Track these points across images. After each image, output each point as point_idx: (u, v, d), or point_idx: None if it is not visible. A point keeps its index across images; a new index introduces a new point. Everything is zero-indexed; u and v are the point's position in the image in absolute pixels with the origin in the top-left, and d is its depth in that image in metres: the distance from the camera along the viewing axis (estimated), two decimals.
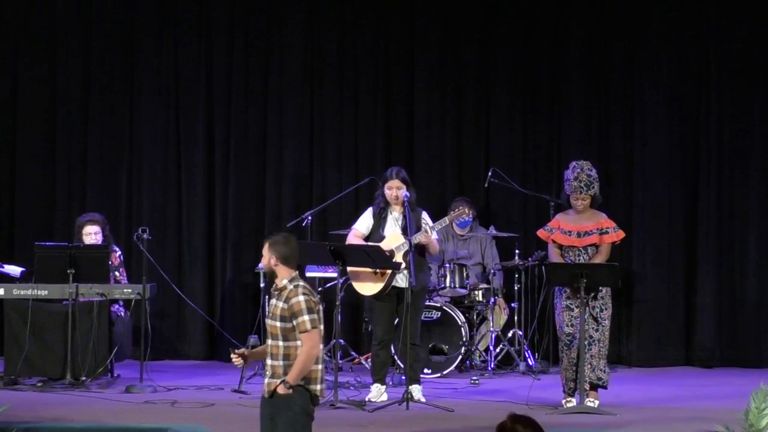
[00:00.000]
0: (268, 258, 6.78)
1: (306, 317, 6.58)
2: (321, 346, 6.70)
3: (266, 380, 6.70)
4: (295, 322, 6.60)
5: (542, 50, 12.62)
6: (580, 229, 9.61)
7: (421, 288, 9.83)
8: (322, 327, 6.69)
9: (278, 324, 6.64)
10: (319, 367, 6.69)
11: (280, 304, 6.66)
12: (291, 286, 6.68)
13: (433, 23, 12.71)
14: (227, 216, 12.70)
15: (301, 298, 6.61)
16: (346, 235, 11.15)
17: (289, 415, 6.63)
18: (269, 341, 6.71)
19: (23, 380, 10.44)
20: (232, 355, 6.79)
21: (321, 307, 6.73)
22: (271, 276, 6.83)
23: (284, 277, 6.73)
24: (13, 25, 12.81)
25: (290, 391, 6.56)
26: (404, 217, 9.76)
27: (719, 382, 11.28)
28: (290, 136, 12.73)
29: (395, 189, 9.84)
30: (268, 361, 6.70)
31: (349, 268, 9.78)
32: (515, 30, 12.67)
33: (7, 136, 12.82)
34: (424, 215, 9.94)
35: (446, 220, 10.03)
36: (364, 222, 10.02)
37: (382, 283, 9.73)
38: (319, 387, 6.70)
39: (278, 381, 6.61)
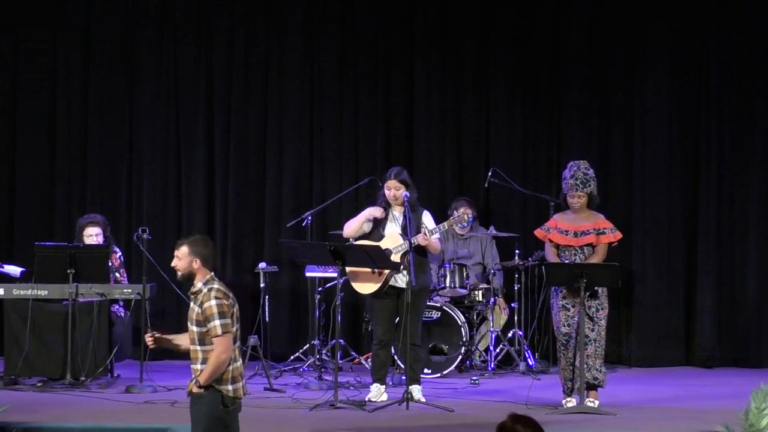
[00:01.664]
0: (189, 260, 6.72)
1: (217, 322, 6.57)
2: (237, 344, 6.68)
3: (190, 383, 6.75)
4: (207, 327, 6.59)
5: (542, 50, 12.63)
6: (577, 228, 9.61)
7: (421, 288, 9.81)
8: (236, 328, 6.67)
9: (195, 329, 6.65)
10: (232, 367, 6.66)
11: (196, 308, 6.65)
12: (205, 290, 6.66)
13: (433, 23, 12.72)
14: (227, 216, 12.71)
15: (213, 302, 6.59)
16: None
17: (195, 415, 6.68)
18: (190, 345, 6.73)
19: (23, 380, 10.44)
20: (146, 336, 6.81)
21: (236, 309, 6.69)
22: (188, 278, 6.75)
23: (200, 279, 6.71)
24: (13, 25, 12.81)
25: (201, 390, 6.60)
26: (404, 217, 9.75)
27: (719, 382, 11.28)
28: (290, 136, 12.73)
29: (393, 189, 9.84)
30: (191, 365, 6.73)
31: (347, 268, 9.79)
32: (515, 30, 12.67)
33: (7, 136, 12.82)
34: (426, 215, 9.92)
35: (445, 225, 9.98)
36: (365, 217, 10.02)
37: (379, 283, 9.73)
38: (231, 387, 6.67)
39: (192, 382, 6.68)
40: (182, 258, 6.76)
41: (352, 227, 9.97)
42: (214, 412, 6.65)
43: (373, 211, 9.90)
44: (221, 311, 6.58)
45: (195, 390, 6.65)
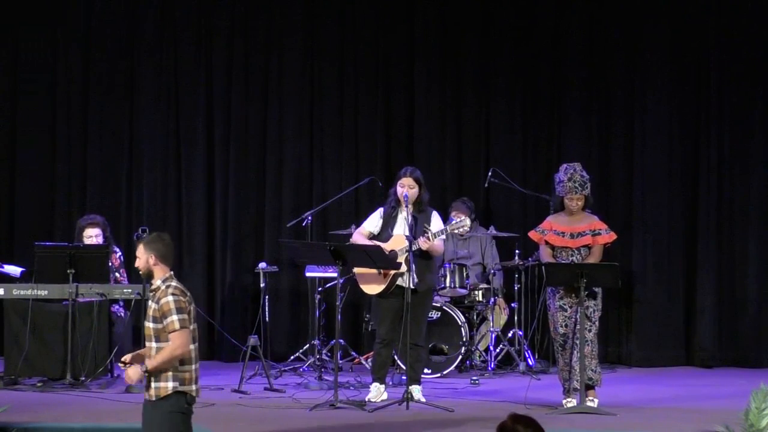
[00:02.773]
0: (146, 258, 6.76)
1: (175, 317, 6.58)
2: (193, 345, 6.68)
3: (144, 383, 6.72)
4: (164, 322, 6.60)
5: (542, 50, 12.63)
6: (573, 230, 9.60)
7: (427, 289, 9.80)
8: (193, 327, 6.69)
9: (151, 325, 6.66)
10: (193, 366, 6.68)
11: (153, 305, 6.67)
12: (163, 287, 6.68)
13: (433, 23, 12.72)
14: (227, 216, 12.70)
15: (170, 298, 6.61)
16: (347, 235, 11.19)
17: (160, 417, 6.65)
18: (146, 343, 6.72)
19: (23, 380, 10.44)
20: (121, 365, 6.81)
21: (192, 307, 6.72)
22: (148, 277, 6.80)
23: (159, 276, 6.74)
24: (13, 24, 12.82)
25: (138, 376, 6.58)
26: (412, 217, 9.75)
27: (719, 382, 11.28)
28: (290, 136, 12.74)
29: (407, 187, 9.79)
30: (146, 361, 6.71)
31: (355, 269, 9.79)
32: (515, 30, 12.67)
33: (7, 136, 12.83)
34: (435, 217, 9.86)
35: (447, 229, 9.95)
36: (373, 221, 9.95)
37: (385, 283, 9.70)
38: (194, 387, 6.69)
39: (152, 384, 6.63)
40: (140, 256, 6.82)
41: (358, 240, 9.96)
42: (185, 410, 6.69)
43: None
44: (179, 307, 6.60)
45: (135, 372, 6.59)
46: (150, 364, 6.56)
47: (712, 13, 12.42)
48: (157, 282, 6.73)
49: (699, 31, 12.45)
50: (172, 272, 6.77)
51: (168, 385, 6.59)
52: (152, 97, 12.80)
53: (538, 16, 12.65)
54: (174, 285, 6.69)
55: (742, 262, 12.35)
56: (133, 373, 6.61)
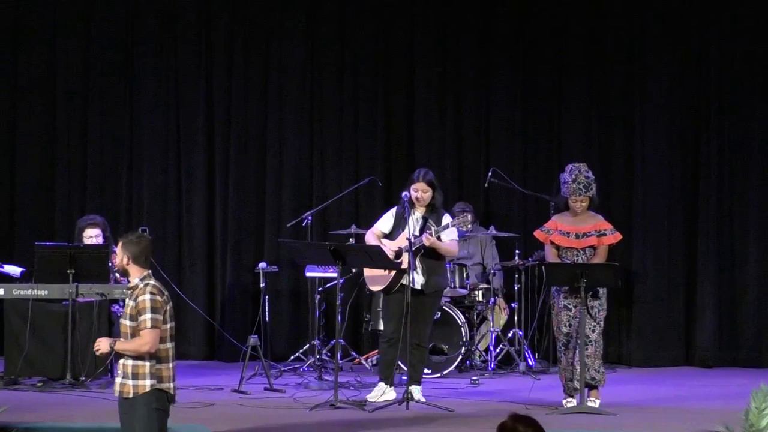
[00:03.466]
0: (121, 257, 6.86)
1: (148, 315, 6.69)
2: (170, 344, 6.79)
3: (118, 380, 6.80)
4: (138, 320, 6.71)
5: (542, 50, 12.62)
6: (579, 230, 9.60)
7: (433, 291, 9.78)
8: (170, 326, 6.80)
9: (128, 323, 6.77)
10: (170, 365, 6.80)
11: (131, 303, 6.78)
12: (141, 285, 6.78)
13: (433, 23, 12.72)
14: (227, 216, 12.70)
15: (147, 296, 6.72)
16: (346, 235, 11.19)
17: (141, 413, 6.74)
18: (121, 339, 6.81)
19: (23, 380, 10.44)
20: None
21: (170, 307, 6.82)
22: (124, 274, 6.93)
23: (136, 276, 6.83)
24: (12, 24, 12.82)
25: (107, 349, 6.71)
26: (422, 218, 9.75)
27: (719, 382, 11.28)
28: (290, 136, 12.73)
29: (421, 192, 9.78)
30: (120, 360, 6.81)
31: (365, 270, 9.81)
32: (515, 29, 12.66)
33: (6, 135, 12.82)
34: (445, 218, 9.82)
35: (449, 225, 9.94)
36: (386, 222, 9.92)
37: (388, 280, 9.68)
38: (171, 385, 6.83)
39: (129, 382, 6.74)
40: (118, 254, 6.92)
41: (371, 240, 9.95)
42: (165, 408, 6.82)
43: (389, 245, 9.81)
44: (154, 306, 6.71)
45: (104, 345, 6.71)
46: (119, 344, 6.71)
47: (712, 14, 12.40)
48: (135, 281, 6.83)
49: (700, 30, 12.44)
50: (149, 272, 6.86)
51: (146, 383, 6.73)
52: (152, 97, 12.80)
53: (538, 16, 12.64)
54: (152, 284, 6.80)
55: (742, 261, 12.35)
56: (103, 344, 6.75)
